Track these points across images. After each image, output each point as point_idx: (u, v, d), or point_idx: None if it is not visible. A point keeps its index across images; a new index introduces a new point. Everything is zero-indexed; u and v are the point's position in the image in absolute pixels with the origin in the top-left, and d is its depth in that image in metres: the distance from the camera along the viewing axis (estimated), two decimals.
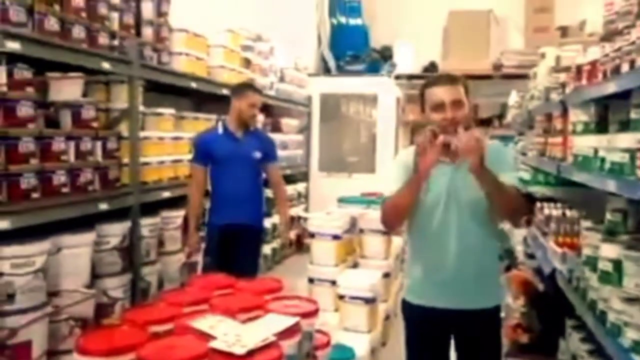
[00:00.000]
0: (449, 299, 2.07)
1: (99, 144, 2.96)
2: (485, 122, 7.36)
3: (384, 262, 3.91)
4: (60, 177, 2.63)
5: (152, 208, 3.46)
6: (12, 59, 2.42)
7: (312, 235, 3.70)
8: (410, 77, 7.46)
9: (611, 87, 1.89)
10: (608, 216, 2.15)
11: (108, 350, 1.52)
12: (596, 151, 2.05)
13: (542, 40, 5.63)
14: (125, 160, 3.19)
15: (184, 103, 4.58)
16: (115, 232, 3.04)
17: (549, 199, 3.12)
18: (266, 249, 5.11)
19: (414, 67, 7.75)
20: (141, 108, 3.41)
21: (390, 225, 2.30)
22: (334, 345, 2.28)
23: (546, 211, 2.87)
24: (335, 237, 3.60)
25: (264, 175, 3.76)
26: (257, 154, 3.57)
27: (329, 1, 7.65)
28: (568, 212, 2.70)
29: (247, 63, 5.04)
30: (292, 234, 5.93)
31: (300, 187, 6.60)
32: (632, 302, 1.71)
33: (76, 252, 2.73)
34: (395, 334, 3.61)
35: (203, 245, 3.70)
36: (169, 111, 3.86)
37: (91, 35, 2.89)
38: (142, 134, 3.38)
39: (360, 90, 7.00)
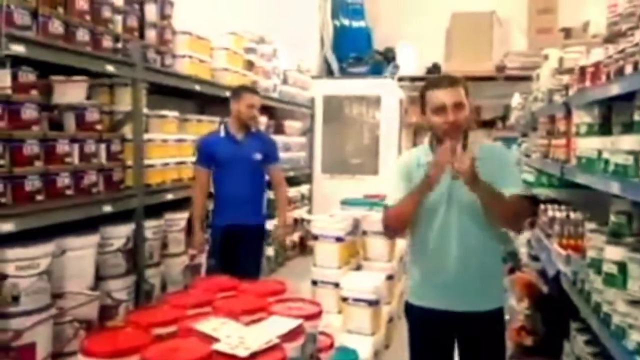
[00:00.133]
0: (449, 300, 2.06)
1: (102, 146, 2.98)
2: (489, 124, 7.35)
3: (387, 264, 3.91)
4: (64, 180, 2.65)
5: (155, 210, 3.47)
6: (16, 61, 2.43)
7: (315, 238, 3.71)
8: (413, 78, 7.44)
9: (615, 89, 1.89)
10: (612, 218, 2.13)
11: (112, 352, 1.53)
12: (600, 153, 2.04)
13: (545, 42, 5.60)
14: (129, 162, 3.21)
15: (188, 105, 4.60)
16: (119, 234, 3.06)
17: (552, 201, 3.11)
18: (269, 251, 5.11)
19: (417, 68, 7.73)
20: (145, 110, 3.43)
21: (392, 234, 2.30)
22: (337, 347, 2.29)
23: (550, 213, 2.86)
24: (339, 239, 3.61)
25: (267, 176, 3.78)
26: (258, 156, 3.58)
27: (332, 3, 7.65)
28: (572, 214, 2.69)
29: (250, 65, 5.04)
30: (295, 236, 5.95)
31: (304, 189, 6.61)
32: (637, 305, 1.70)
33: (80, 254, 2.74)
34: (399, 336, 3.60)
35: (207, 247, 3.71)
36: (172, 113, 3.88)
37: (95, 38, 2.91)
38: (145, 136, 3.40)
39: (363, 92, 6.99)
